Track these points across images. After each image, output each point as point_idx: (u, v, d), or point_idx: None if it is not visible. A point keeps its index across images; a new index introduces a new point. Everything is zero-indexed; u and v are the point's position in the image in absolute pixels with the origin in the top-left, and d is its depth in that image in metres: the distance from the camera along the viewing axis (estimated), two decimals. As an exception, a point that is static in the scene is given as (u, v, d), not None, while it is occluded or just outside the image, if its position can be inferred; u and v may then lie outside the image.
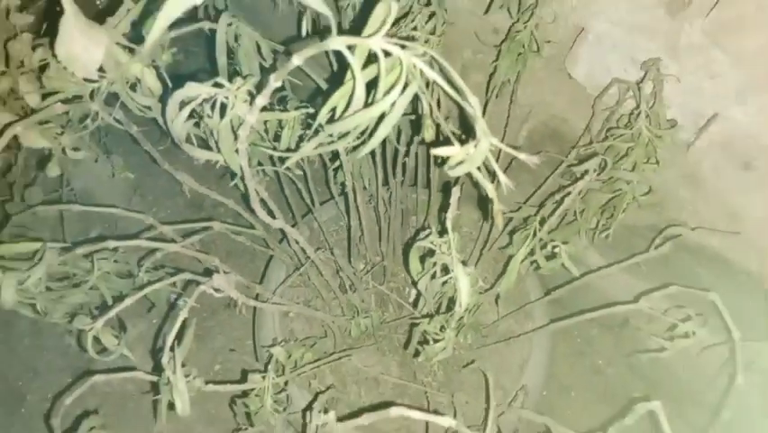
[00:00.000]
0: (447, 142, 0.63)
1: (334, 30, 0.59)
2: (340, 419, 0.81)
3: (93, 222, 1.81)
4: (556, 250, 1.05)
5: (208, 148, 0.88)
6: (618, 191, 1.12)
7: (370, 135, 0.71)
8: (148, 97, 0.91)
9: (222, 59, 0.97)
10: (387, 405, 0.73)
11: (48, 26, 1.01)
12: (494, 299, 1.22)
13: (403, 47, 0.57)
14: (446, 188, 1.43)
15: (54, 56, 0.68)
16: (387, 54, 0.58)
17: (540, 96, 1.37)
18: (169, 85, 0.94)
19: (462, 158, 0.60)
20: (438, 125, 0.80)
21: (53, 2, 1.08)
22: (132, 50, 0.89)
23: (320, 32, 1.20)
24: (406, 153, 1.24)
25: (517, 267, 1.07)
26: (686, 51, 1.07)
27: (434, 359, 0.93)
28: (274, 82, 0.67)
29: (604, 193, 1.16)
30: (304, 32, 1.18)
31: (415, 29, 0.98)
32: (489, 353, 1.37)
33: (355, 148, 0.71)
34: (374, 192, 1.27)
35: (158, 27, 0.53)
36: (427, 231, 0.91)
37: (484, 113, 1.28)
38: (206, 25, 0.96)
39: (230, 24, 0.96)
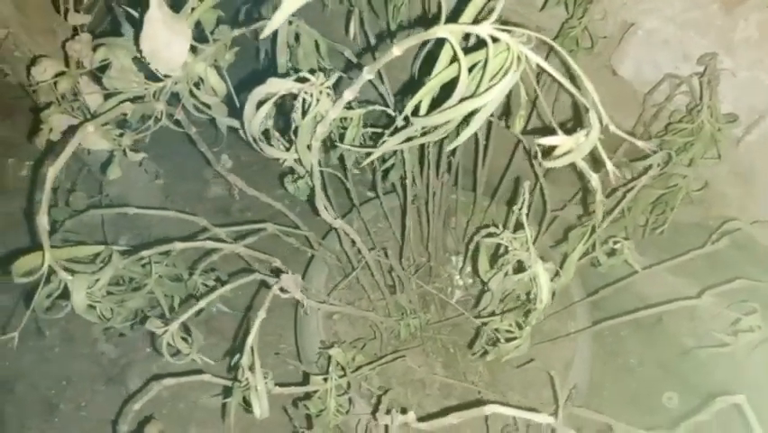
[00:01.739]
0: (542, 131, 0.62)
1: (443, 17, 0.59)
2: (420, 419, 0.80)
3: (122, 228, 1.79)
4: (617, 246, 1.04)
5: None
6: (673, 186, 1.12)
7: (459, 127, 0.71)
8: (211, 97, 0.90)
9: (282, 59, 0.96)
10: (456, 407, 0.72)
11: (109, 24, 1.01)
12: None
13: (510, 32, 0.57)
14: (492, 190, 1.43)
15: (138, 52, 0.67)
16: (494, 40, 0.57)
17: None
18: (229, 84, 0.93)
19: (571, 147, 0.59)
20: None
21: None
22: (194, 50, 0.88)
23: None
24: (452, 152, 1.24)
25: (575, 264, 1.06)
26: (741, 46, 1.07)
27: (505, 357, 0.92)
28: (367, 75, 0.66)
29: (656, 189, 1.15)
30: (351, 33, 1.18)
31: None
32: (535, 352, 1.36)
33: (442, 140, 0.70)
34: (419, 192, 1.26)
35: (277, 20, 0.52)
36: (492, 229, 0.90)
37: (532, 111, 1.28)
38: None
39: (290, 23, 0.95)
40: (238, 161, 2.03)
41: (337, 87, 0.77)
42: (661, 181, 1.15)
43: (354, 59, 1.07)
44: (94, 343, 1.70)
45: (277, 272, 0.93)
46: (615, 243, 1.04)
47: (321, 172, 1.14)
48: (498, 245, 0.90)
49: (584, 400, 1.63)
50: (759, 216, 1.24)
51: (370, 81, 1.16)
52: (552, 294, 1.20)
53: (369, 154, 0.77)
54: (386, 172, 1.15)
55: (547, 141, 0.58)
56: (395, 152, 1.06)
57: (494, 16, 0.56)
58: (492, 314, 0.97)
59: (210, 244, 0.95)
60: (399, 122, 0.74)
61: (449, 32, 0.57)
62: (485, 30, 0.56)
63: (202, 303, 0.82)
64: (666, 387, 1.76)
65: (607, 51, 1.26)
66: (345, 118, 0.93)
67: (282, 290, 0.90)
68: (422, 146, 1.17)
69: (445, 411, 0.74)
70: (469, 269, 1.41)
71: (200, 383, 1.58)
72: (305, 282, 1.43)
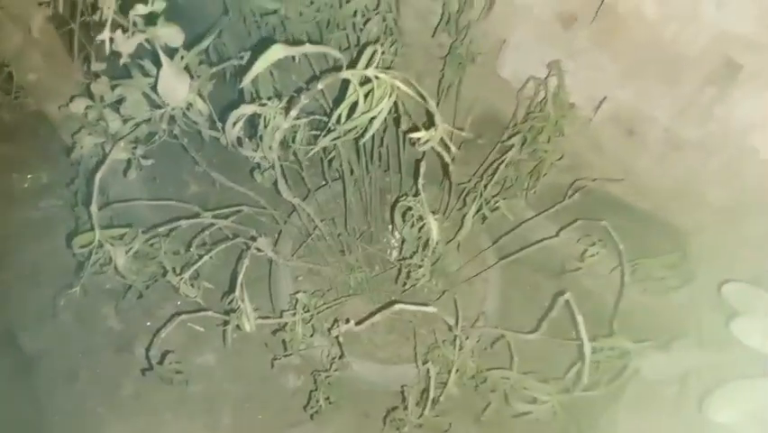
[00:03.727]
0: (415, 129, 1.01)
1: (344, 65, 0.97)
2: (357, 323, 1.19)
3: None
4: (498, 204, 1.44)
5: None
6: (540, 158, 1.53)
7: (365, 130, 1.09)
8: (198, 117, 1.27)
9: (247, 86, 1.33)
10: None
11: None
12: (456, 248, 1.61)
13: (386, 73, 0.96)
14: (413, 171, 1.83)
15: (155, 92, 1.05)
16: (376, 77, 0.96)
17: (478, 93, 1.76)
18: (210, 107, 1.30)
19: (428, 138, 0.98)
20: (410, 118, 1.19)
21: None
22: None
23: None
24: (381, 145, 1.63)
25: (471, 218, 1.46)
26: (578, 53, 1.48)
27: (418, 284, 1.32)
28: (303, 100, 1.05)
29: (531, 161, 1.56)
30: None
31: (383, 52, 1.36)
32: (455, 292, 1.76)
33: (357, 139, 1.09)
34: (358, 177, 1.65)
35: (256, 69, 0.90)
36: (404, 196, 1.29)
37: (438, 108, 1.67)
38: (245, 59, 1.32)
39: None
40: (210, 163, 2.40)
41: (290, 104, 1.14)
42: (534, 156, 1.56)
43: (302, 84, 1.46)
44: (103, 320, 2.06)
45: (253, 239, 1.31)
46: (496, 202, 1.44)
47: (281, 164, 1.53)
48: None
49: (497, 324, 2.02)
50: (611, 174, 1.66)
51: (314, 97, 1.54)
52: (458, 245, 1.60)
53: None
54: (330, 162, 1.54)
55: (413, 135, 0.98)
56: (335, 147, 1.45)
57: (375, 63, 0.95)
58: (410, 256, 1.37)
59: (207, 220, 1.33)
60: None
61: (350, 75, 0.95)
62: (371, 72, 0.95)
63: (204, 258, 1.20)
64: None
65: (493, 60, 1.67)
66: (296, 125, 1.31)
67: (258, 249, 1.29)
68: (356, 141, 1.55)
69: (372, 314, 1.14)
70: (399, 235, 1.80)
71: (194, 346, 1.95)
72: (275, 249, 1.82)
